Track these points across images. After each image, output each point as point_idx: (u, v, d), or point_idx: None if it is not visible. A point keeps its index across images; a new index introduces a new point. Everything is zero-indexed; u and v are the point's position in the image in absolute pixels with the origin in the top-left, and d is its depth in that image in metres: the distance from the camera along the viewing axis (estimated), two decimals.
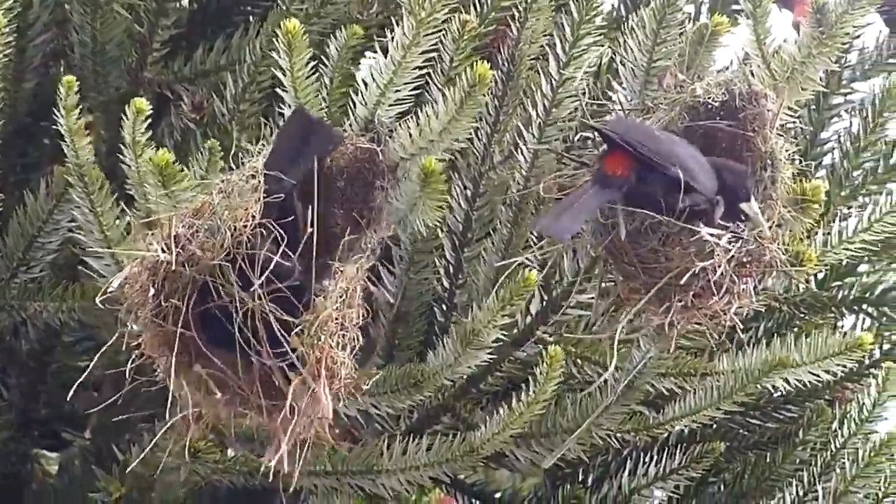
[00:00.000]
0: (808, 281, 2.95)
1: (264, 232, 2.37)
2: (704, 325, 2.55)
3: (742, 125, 2.59)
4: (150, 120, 2.58)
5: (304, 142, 2.46)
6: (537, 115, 2.74)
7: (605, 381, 2.71)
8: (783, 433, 3.04)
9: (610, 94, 2.75)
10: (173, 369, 2.36)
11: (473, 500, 3.22)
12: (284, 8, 2.97)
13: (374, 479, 2.72)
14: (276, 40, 2.55)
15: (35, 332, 3.19)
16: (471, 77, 2.45)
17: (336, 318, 2.33)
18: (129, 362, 2.41)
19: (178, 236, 2.36)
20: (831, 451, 2.87)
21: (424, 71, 2.54)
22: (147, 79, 3.10)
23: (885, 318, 3.11)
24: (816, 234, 2.73)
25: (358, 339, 2.38)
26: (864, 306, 3.11)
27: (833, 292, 3.08)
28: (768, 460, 3.01)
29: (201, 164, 2.61)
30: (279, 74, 2.56)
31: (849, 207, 2.96)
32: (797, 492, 2.88)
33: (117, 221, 2.65)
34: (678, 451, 2.90)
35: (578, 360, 2.81)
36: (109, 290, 2.41)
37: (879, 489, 2.83)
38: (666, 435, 2.91)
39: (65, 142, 2.62)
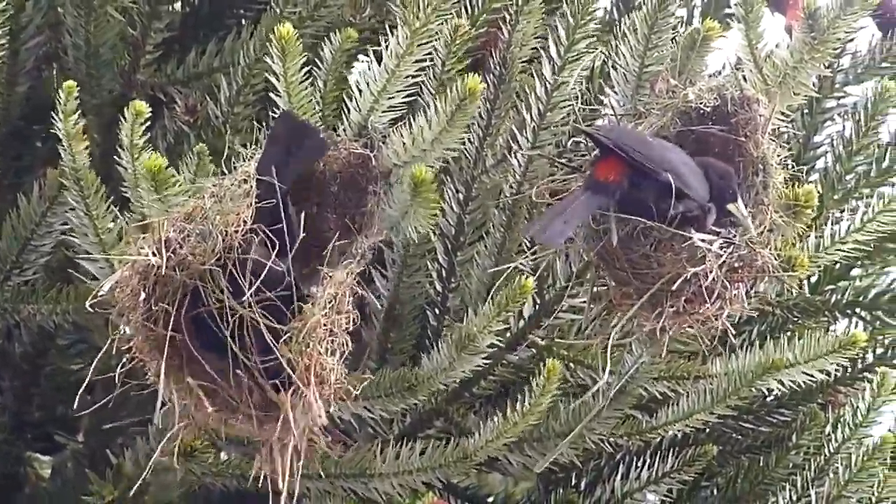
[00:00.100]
0: (801, 285, 2.95)
1: (255, 237, 2.37)
2: (696, 330, 2.55)
3: (734, 130, 2.59)
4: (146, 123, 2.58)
5: (295, 146, 2.46)
6: (531, 118, 2.74)
7: (598, 386, 2.71)
8: (776, 437, 3.04)
9: (602, 98, 2.75)
10: (163, 374, 2.36)
11: None
12: (277, 11, 2.97)
13: (367, 483, 2.71)
14: (270, 44, 2.54)
15: (28, 334, 3.20)
16: (462, 90, 2.45)
17: (325, 325, 2.34)
18: (120, 366, 2.41)
19: (168, 240, 2.36)
20: (825, 455, 2.87)
21: (418, 77, 2.54)
22: (140, 81, 3.10)
23: (878, 322, 3.11)
24: (809, 237, 2.72)
25: (348, 345, 2.38)
26: (858, 310, 3.10)
27: (826, 296, 3.08)
28: (761, 464, 3.01)
29: (192, 169, 2.61)
30: (273, 79, 2.56)
31: (841, 211, 2.96)
32: (790, 496, 2.88)
33: (111, 225, 2.65)
34: (671, 454, 2.89)
35: (571, 365, 2.81)
36: (100, 293, 2.41)
37: (873, 494, 2.83)
38: (659, 439, 2.91)
39: (60, 145, 2.62)
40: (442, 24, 2.56)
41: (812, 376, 2.71)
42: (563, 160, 2.68)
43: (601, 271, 2.60)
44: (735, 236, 2.52)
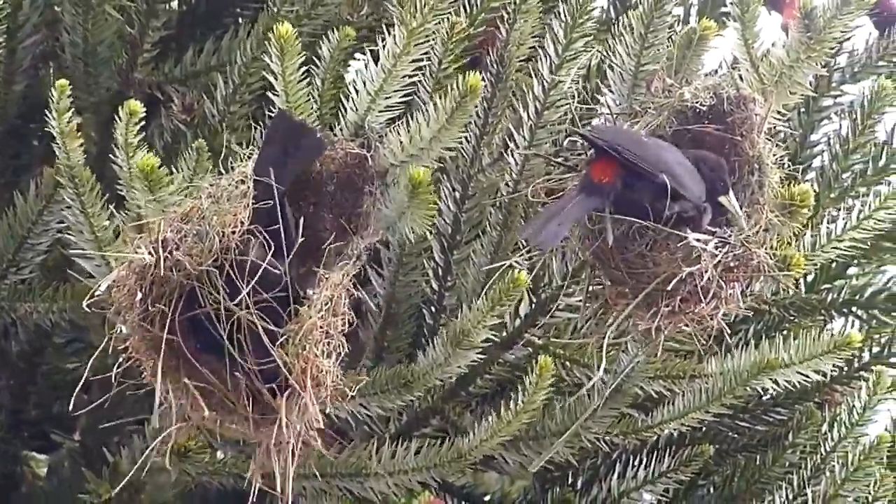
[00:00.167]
0: (797, 284, 2.94)
1: (253, 238, 2.37)
2: (692, 329, 2.55)
3: (730, 129, 2.59)
4: (142, 122, 2.58)
5: (292, 146, 2.46)
6: (528, 117, 2.74)
7: (594, 385, 2.71)
8: (772, 436, 3.04)
9: (599, 97, 2.75)
10: (159, 374, 2.36)
11: (462, 503, 3.22)
12: (275, 10, 2.97)
13: (363, 483, 2.72)
14: (268, 43, 2.54)
15: (25, 333, 3.20)
16: (462, 87, 2.45)
17: (321, 327, 2.33)
18: (116, 366, 2.41)
19: (165, 241, 2.36)
20: (821, 454, 2.87)
21: (415, 76, 2.54)
22: (137, 80, 3.10)
23: (874, 321, 3.11)
24: (805, 236, 2.72)
25: (344, 346, 2.38)
26: (854, 308, 3.10)
27: (822, 295, 3.08)
28: (758, 463, 3.01)
29: (190, 166, 2.61)
30: (271, 78, 2.56)
31: (838, 209, 2.96)
32: (787, 495, 2.88)
33: (107, 223, 2.65)
34: (667, 454, 2.90)
35: (567, 364, 2.81)
36: (97, 293, 2.41)
37: (869, 493, 2.83)
38: (655, 438, 2.91)
39: (55, 143, 2.62)
40: (439, 23, 2.56)
41: (807, 376, 2.71)
42: (560, 159, 2.68)
43: (597, 270, 2.60)
44: (730, 236, 2.52)
